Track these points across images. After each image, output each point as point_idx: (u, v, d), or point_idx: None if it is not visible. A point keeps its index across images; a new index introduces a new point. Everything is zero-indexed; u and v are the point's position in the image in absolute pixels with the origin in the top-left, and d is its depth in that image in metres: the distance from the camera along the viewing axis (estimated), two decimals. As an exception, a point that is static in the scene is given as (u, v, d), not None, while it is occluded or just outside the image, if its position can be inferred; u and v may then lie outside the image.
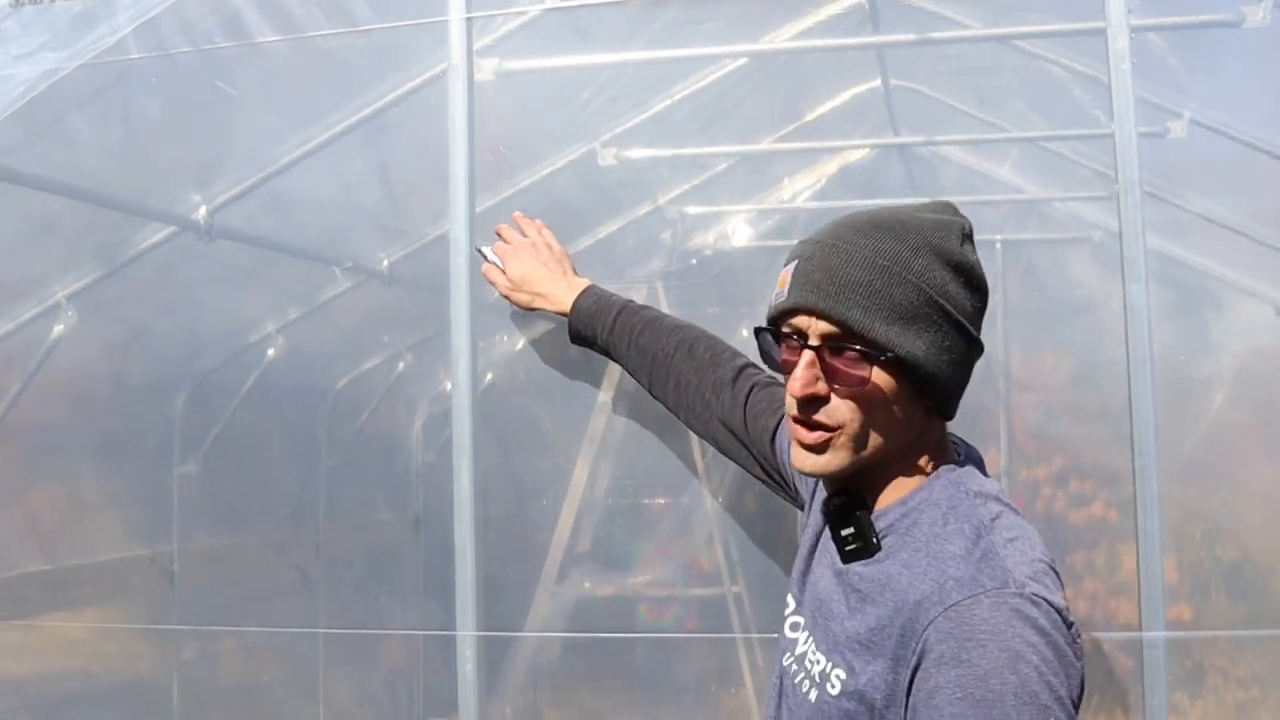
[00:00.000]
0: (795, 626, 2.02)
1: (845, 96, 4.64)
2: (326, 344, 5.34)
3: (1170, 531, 3.99)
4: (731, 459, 2.91)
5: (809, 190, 4.29)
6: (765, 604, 4.38)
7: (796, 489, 2.53)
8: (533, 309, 3.40)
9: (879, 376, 1.85)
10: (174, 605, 4.86)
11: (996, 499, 1.80)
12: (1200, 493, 4.49)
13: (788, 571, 2.84)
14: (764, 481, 2.80)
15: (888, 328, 1.83)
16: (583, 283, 3.24)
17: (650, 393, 3.12)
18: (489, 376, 4.77)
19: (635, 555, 5.12)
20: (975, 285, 1.86)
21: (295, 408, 5.15)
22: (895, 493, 1.84)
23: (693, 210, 4.35)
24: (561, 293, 3.23)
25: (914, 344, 1.79)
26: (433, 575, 4.55)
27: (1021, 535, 1.71)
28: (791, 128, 4.72)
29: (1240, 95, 3.92)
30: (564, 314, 3.27)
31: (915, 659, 1.60)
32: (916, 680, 1.60)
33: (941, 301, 1.80)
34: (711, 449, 3.15)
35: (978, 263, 1.90)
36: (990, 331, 4.34)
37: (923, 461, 1.83)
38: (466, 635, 2.51)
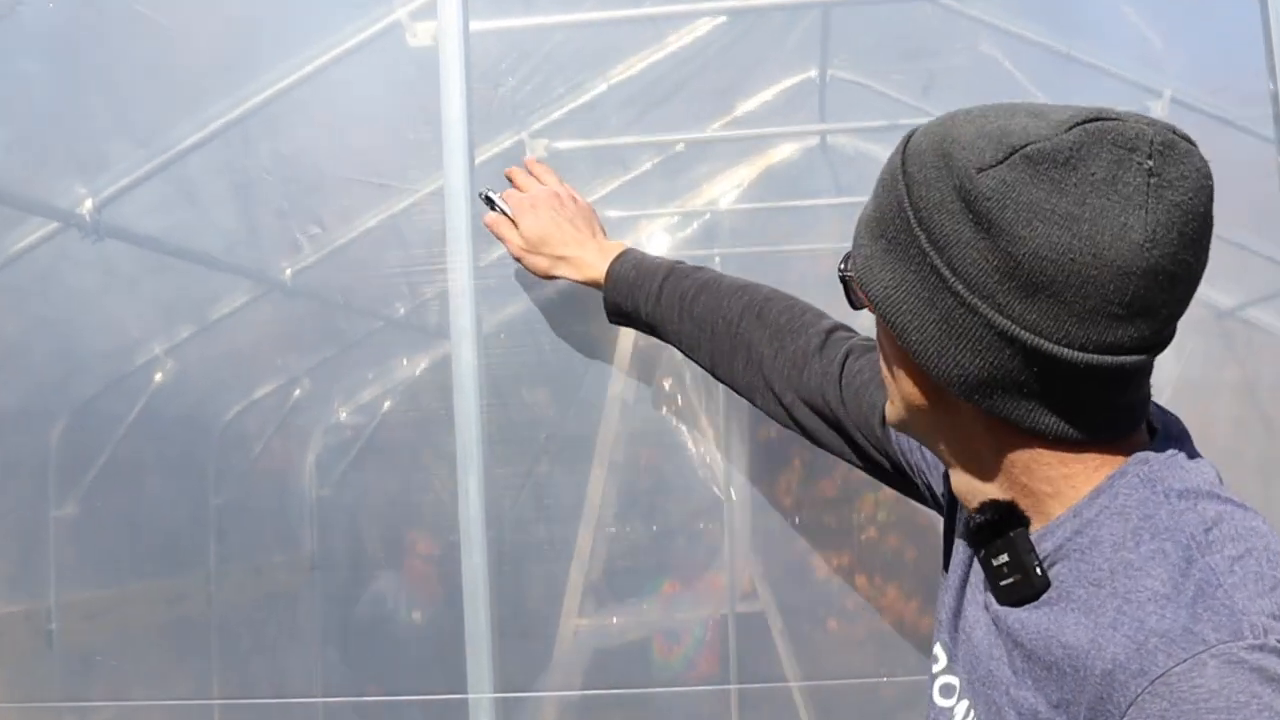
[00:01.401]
0: (948, 691, 1.60)
1: (778, 89, 4.51)
2: (219, 368, 5.09)
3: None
4: (831, 450, 2.38)
5: (733, 193, 4.15)
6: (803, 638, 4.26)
7: (927, 482, 2.01)
8: (552, 276, 2.95)
9: (867, 303, 1.56)
10: (53, 674, 4.59)
11: (1212, 495, 1.34)
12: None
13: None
14: (879, 476, 2.30)
15: (866, 244, 1.53)
16: (617, 245, 2.81)
17: (714, 374, 2.64)
18: (386, 404, 4.59)
19: (655, 588, 4.99)
20: (989, 230, 1.29)
21: (182, 440, 4.91)
22: (1062, 499, 1.40)
23: (614, 214, 4.17)
24: (591, 257, 2.78)
25: (876, 269, 1.44)
26: (331, 626, 4.36)
27: (1253, 548, 1.25)
28: (721, 123, 4.57)
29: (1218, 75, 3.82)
30: (594, 284, 2.83)
31: None
32: None
33: (918, 231, 1.38)
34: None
35: (1016, 202, 1.28)
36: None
37: (1092, 450, 1.37)
38: (482, 699, 2.00)
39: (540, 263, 2.86)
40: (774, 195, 4.08)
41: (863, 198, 4.16)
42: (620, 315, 2.79)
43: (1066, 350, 1.32)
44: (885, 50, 4.43)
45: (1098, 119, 1.33)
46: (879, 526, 4.67)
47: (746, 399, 2.54)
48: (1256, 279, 3.84)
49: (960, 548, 1.66)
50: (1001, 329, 1.33)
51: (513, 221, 2.85)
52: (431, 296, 4.04)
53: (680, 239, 4.10)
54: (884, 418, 1.95)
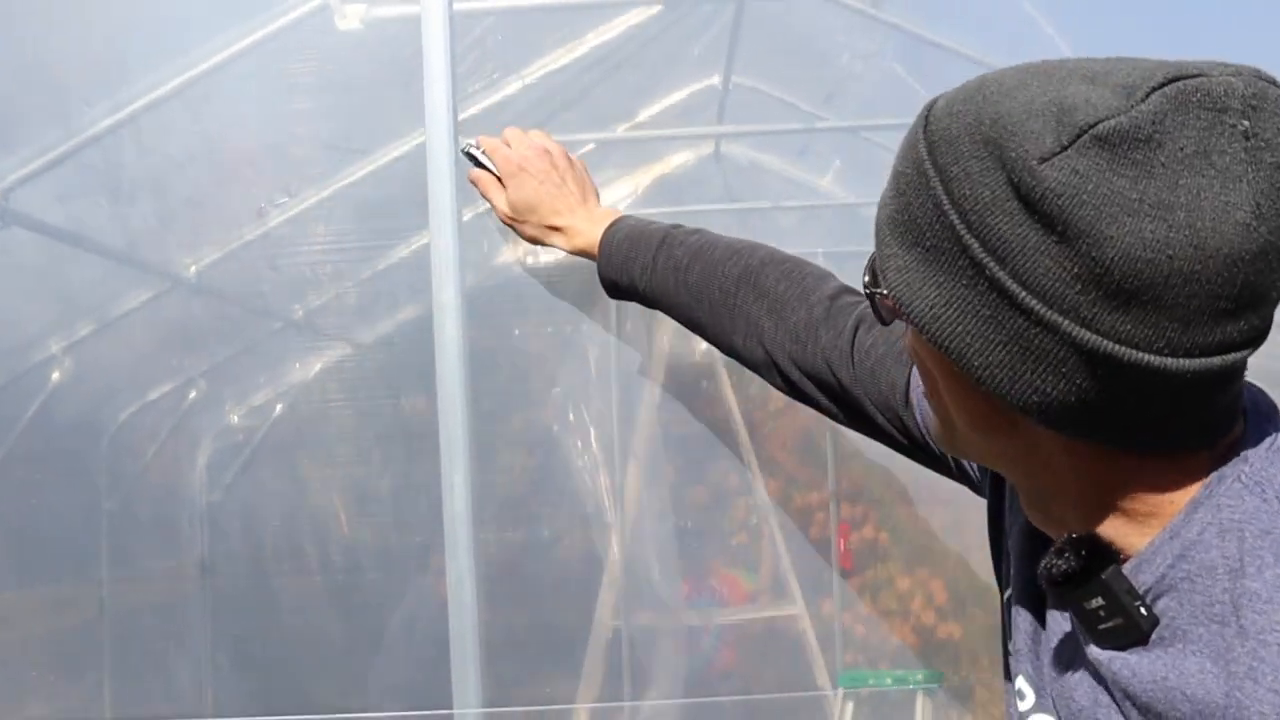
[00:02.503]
0: None
1: (683, 94, 4.58)
2: (117, 367, 5.08)
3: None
4: (848, 426, 2.16)
5: (626, 200, 4.21)
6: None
7: (958, 461, 1.81)
8: (541, 244, 2.74)
9: (904, 319, 1.29)
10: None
11: None
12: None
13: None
14: (902, 451, 2.07)
15: (897, 253, 1.24)
16: (610, 212, 2.58)
17: (719, 348, 2.43)
18: (278, 408, 4.62)
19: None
20: (1064, 232, 1.06)
21: (76, 443, 4.90)
22: (1160, 517, 1.19)
23: None
24: (583, 224, 2.54)
25: (916, 284, 1.18)
26: (222, 635, 4.39)
27: None
28: (625, 126, 4.64)
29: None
30: (586, 254, 2.60)
31: None
32: None
33: (968, 238, 1.14)
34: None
35: (1094, 196, 1.05)
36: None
37: (1189, 457, 1.17)
38: (468, 715, 1.85)
39: (527, 230, 2.66)
40: (667, 201, 4.15)
41: (754, 204, 4.27)
42: (617, 291, 2.57)
43: (1170, 360, 1.10)
44: (791, 56, 4.50)
45: (1176, 78, 1.09)
46: (749, 531, 4.78)
47: (754, 373, 2.35)
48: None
49: (1018, 547, 1.47)
50: (1090, 346, 1.10)
51: (499, 181, 2.63)
52: (332, 298, 4.07)
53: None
54: (908, 393, 1.78)
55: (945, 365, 1.26)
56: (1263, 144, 1.11)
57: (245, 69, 3.79)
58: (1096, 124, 1.04)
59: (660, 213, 4.21)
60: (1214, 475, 1.17)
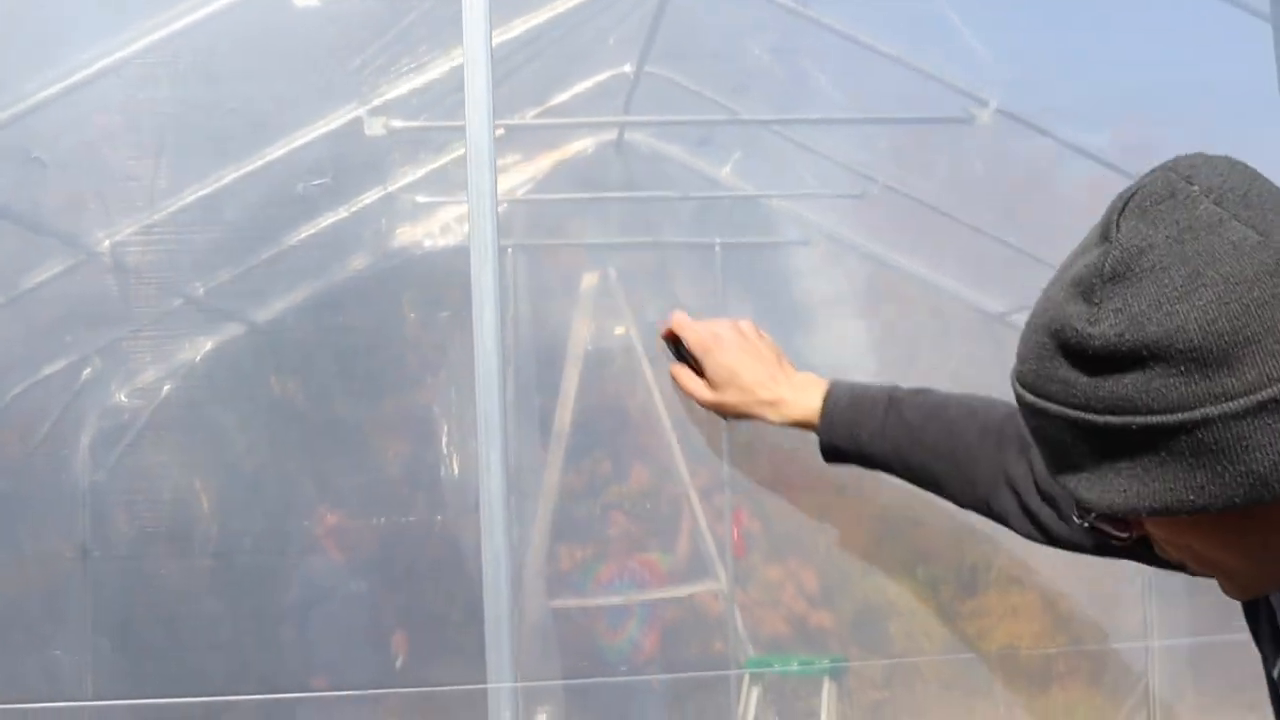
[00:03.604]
0: None
1: (593, 81, 4.62)
2: (15, 344, 5.00)
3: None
4: (1101, 554, 2.20)
5: (526, 186, 4.25)
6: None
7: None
8: (745, 417, 2.78)
9: (1141, 524, 1.35)
10: None
11: None
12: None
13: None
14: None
15: (1076, 485, 1.30)
16: (810, 378, 2.63)
17: (956, 502, 2.60)
18: (166, 388, 4.60)
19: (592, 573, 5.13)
20: (1153, 355, 1.15)
21: (-37, 422, 4.80)
22: None
23: (421, 199, 4.24)
24: (790, 394, 2.60)
25: (1100, 494, 1.24)
26: (102, 618, 4.35)
27: None
28: (536, 111, 4.66)
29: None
30: (801, 426, 2.70)
31: None
32: None
33: (1103, 424, 1.20)
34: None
35: (1144, 318, 1.15)
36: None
37: None
38: (502, 689, 1.80)
39: (732, 402, 2.71)
40: (567, 188, 4.20)
41: (654, 192, 4.33)
42: (837, 454, 2.70)
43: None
44: (705, 47, 4.56)
45: (1124, 201, 1.25)
46: (666, 512, 4.85)
47: (999, 524, 2.50)
48: (1025, 283, 4.05)
49: None
50: (1249, 407, 1.13)
51: (694, 367, 2.67)
52: (235, 276, 4.05)
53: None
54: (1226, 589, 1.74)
55: (1195, 527, 1.28)
56: (1220, 193, 1.20)
57: (170, 47, 3.78)
58: (1103, 267, 1.19)
59: (559, 199, 4.26)
60: None
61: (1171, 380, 1.19)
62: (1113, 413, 1.25)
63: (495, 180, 2.17)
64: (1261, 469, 1.19)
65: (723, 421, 4.36)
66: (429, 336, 4.61)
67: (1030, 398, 1.28)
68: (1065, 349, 1.25)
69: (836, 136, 4.10)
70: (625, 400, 5.01)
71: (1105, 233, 1.23)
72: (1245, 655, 4.40)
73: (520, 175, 4.25)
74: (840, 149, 4.03)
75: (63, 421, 4.48)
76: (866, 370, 5.01)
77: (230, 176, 3.52)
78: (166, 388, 4.26)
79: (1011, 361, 4.46)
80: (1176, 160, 1.24)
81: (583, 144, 4.31)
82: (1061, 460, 1.32)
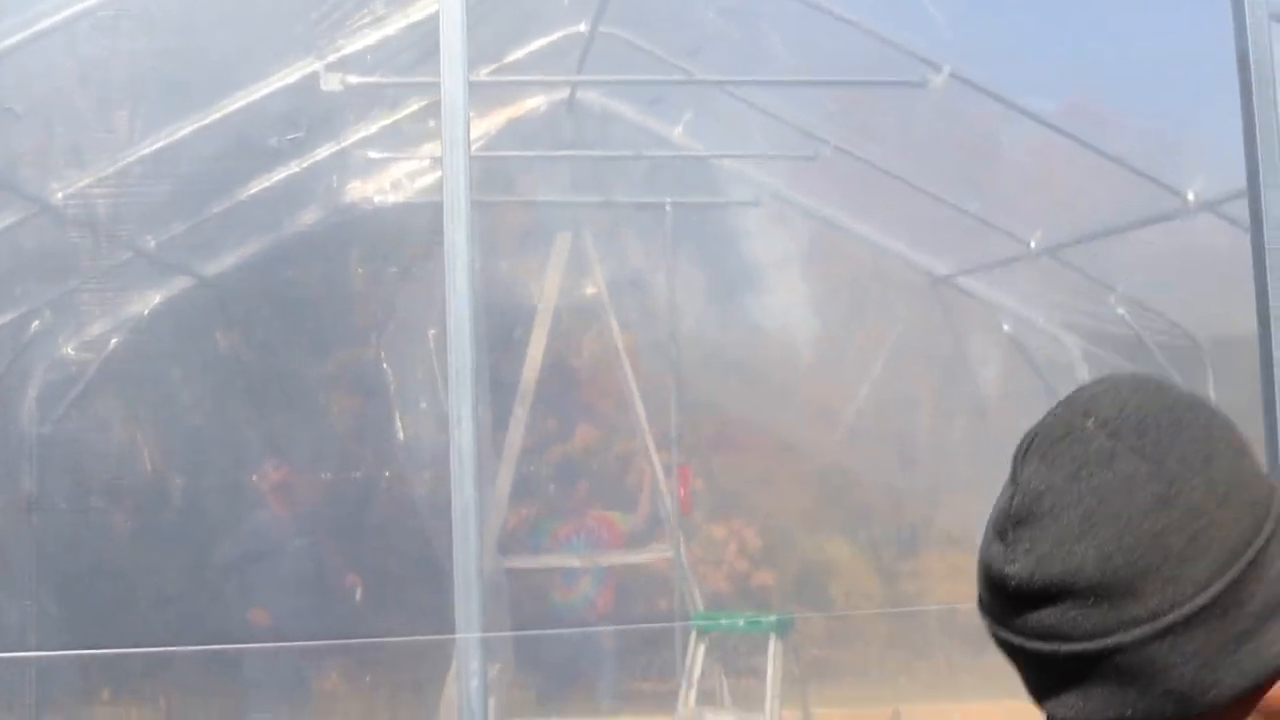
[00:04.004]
0: None
1: (549, 39, 4.59)
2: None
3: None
4: None
5: (479, 142, 4.25)
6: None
7: None
8: None
9: None
10: None
11: None
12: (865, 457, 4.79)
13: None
14: None
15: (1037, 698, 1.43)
16: None
17: None
18: (114, 341, 4.57)
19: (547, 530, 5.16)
20: (1062, 593, 1.21)
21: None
22: None
23: (374, 155, 4.21)
24: None
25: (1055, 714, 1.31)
26: (48, 570, 4.34)
27: None
28: (490, 69, 4.63)
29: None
30: None
31: None
32: None
33: (1029, 647, 1.26)
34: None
35: (1050, 560, 1.23)
36: (659, 306, 4.51)
37: None
38: (470, 639, 1.78)
39: None
40: (518, 145, 4.21)
41: (604, 152, 4.33)
42: None
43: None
44: (660, 8, 4.53)
45: (1026, 443, 1.31)
46: (627, 473, 4.92)
47: None
48: (971, 246, 4.13)
49: None
50: (1204, 602, 1.20)
51: None
52: (185, 230, 4.02)
53: (430, 183, 4.19)
54: None
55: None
56: (1115, 425, 1.21)
57: (123, 4, 3.73)
58: (1010, 509, 1.18)
59: (511, 156, 4.28)
60: None
61: (1084, 611, 1.24)
62: (1043, 639, 1.29)
63: (468, 133, 2.15)
64: (1180, 686, 1.23)
65: (670, 382, 4.43)
66: (378, 292, 4.63)
67: (988, 625, 1.29)
68: (993, 585, 1.27)
69: (789, 98, 4.12)
70: (589, 360, 5.05)
71: (1013, 474, 1.24)
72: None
73: (473, 131, 4.24)
74: (792, 111, 4.05)
75: (10, 374, 4.44)
76: (811, 332, 5.09)
77: (185, 129, 3.48)
78: (114, 341, 4.25)
79: (956, 325, 4.54)
80: (1079, 390, 1.26)
81: (535, 102, 4.31)
82: (1028, 680, 1.35)
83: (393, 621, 4.60)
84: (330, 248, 4.44)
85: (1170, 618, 1.10)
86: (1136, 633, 1.14)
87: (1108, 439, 1.12)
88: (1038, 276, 4.04)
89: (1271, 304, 2.08)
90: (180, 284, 4.29)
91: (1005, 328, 4.41)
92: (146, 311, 4.27)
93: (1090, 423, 1.12)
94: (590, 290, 4.45)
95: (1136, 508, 1.08)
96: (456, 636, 1.71)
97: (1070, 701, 1.25)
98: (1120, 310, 3.90)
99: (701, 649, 3.61)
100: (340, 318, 4.90)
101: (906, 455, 5.01)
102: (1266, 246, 2.11)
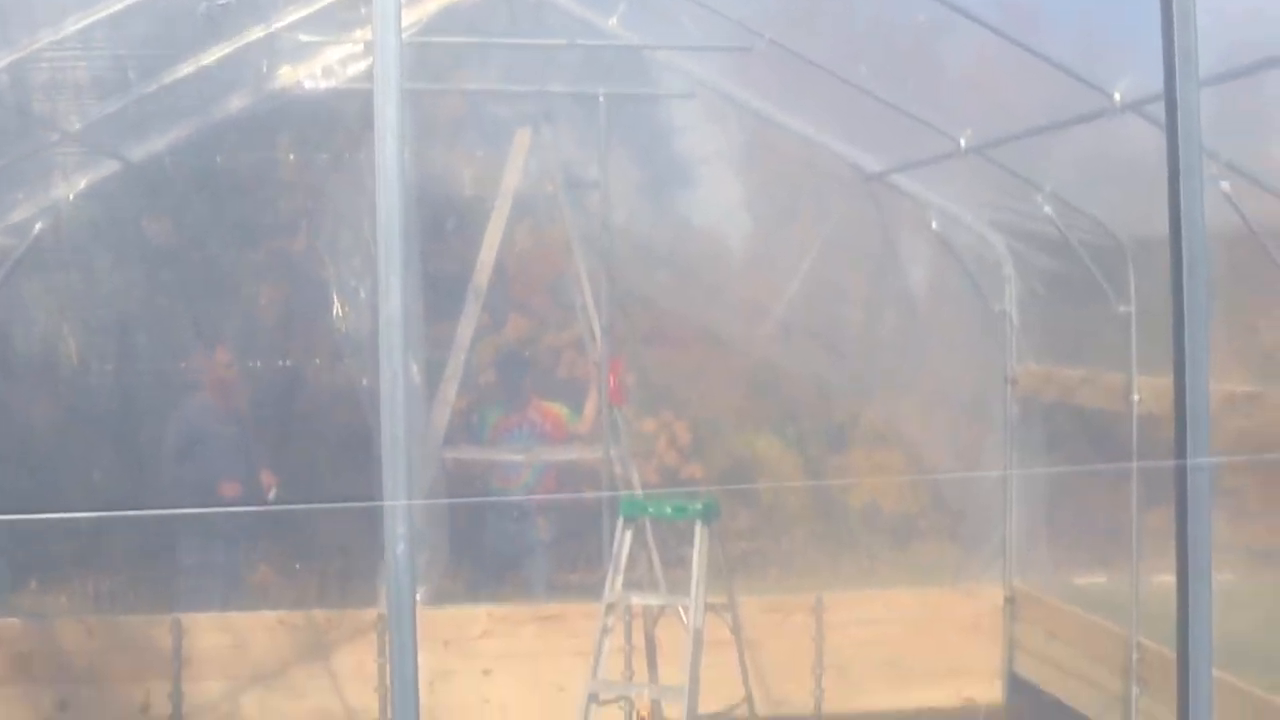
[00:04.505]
0: None
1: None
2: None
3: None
4: None
5: (411, 29, 4.19)
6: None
7: None
8: None
9: None
10: None
11: None
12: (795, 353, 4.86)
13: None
14: None
15: None
16: None
17: None
18: (38, 226, 4.49)
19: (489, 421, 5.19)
20: None
21: None
22: None
23: (304, 38, 4.13)
24: None
25: None
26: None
27: None
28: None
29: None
30: None
31: None
32: None
33: None
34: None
35: None
36: (592, 200, 4.51)
37: None
38: (398, 506, 1.82)
39: None
40: (453, 31, 4.15)
41: (540, 40, 4.27)
42: None
43: None
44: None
45: None
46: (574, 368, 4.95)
47: None
48: (903, 144, 4.16)
49: None
50: None
51: None
52: (114, 112, 3.94)
53: (362, 70, 4.14)
54: None
55: None
56: None
57: None
58: None
59: (445, 42, 4.22)
60: None
61: None
62: None
63: (399, 17, 2.10)
64: None
65: (602, 275, 4.45)
66: (310, 179, 4.58)
67: None
68: None
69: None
70: (520, 254, 5.06)
71: None
72: (1097, 515, 4.68)
73: (406, 18, 4.18)
74: (728, 3, 4.03)
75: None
76: (743, 227, 5.13)
77: (112, 7, 3.40)
78: (39, 226, 4.20)
79: (887, 222, 4.56)
80: None
81: (471, -13, 4.25)
82: None
83: (326, 497, 4.62)
84: (260, 134, 4.38)
85: None
86: None
87: None
88: (967, 175, 4.08)
89: (1184, 204, 2.13)
90: (107, 168, 4.22)
91: (934, 225, 4.47)
92: (72, 196, 4.21)
93: None
94: (525, 182, 4.45)
95: None
96: (384, 503, 1.75)
97: None
98: (1046, 209, 3.95)
99: (629, 535, 3.67)
100: (271, 205, 4.84)
101: (835, 351, 5.09)
102: (1180, 140, 2.16)
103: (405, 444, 1.84)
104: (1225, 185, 3.63)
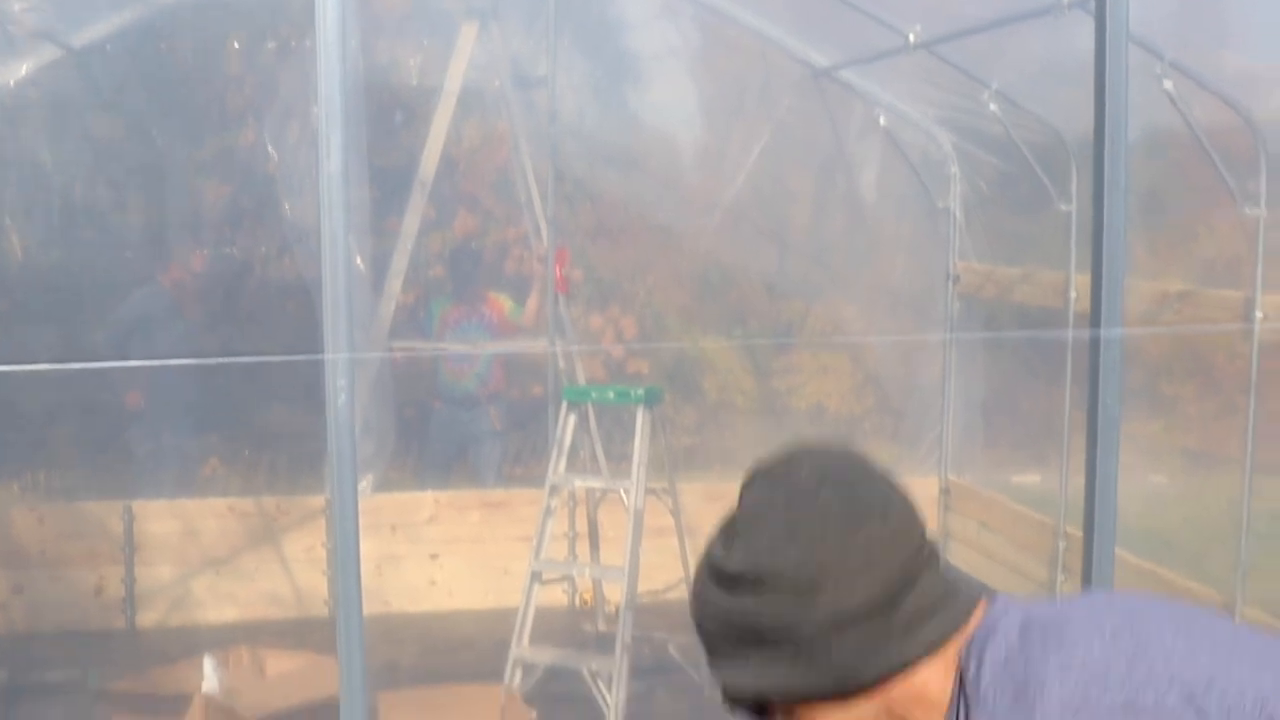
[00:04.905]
0: None
1: None
2: None
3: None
4: None
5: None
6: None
7: None
8: None
9: (771, 707, 1.69)
10: None
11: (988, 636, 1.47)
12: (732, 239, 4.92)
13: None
14: None
15: (718, 672, 1.63)
16: None
17: None
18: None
19: (436, 314, 5.20)
20: (746, 589, 1.43)
21: None
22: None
23: None
24: None
25: (733, 680, 1.48)
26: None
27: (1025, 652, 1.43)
28: None
29: None
30: None
31: None
32: None
33: (726, 630, 1.47)
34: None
35: (749, 559, 1.43)
36: (540, 95, 4.52)
37: (940, 691, 1.47)
38: (339, 359, 1.84)
39: None
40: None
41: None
42: None
43: (880, 587, 1.43)
44: None
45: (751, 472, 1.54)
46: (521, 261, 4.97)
47: None
48: (853, 39, 4.18)
49: None
50: (825, 623, 1.44)
51: None
52: None
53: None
54: None
55: (815, 712, 1.47)
56: (820, 470, 1.50)
57: None
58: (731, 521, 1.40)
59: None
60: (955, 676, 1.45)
61: (780, 598, 1.43)
62: (743, 615, 1.61)
63: None
64: (841, 665, 1.47)
65: (550, 168, 4.48)
66: (255, 67, 4.56)
67: (695, 611, 1.59)
68: (711, 575, 1.56)
69: None
70: (468, 148, 5.07)
71: (739, 497, 1.43)
72: (1032, 412, 4.80)
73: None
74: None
75: None
76: (693, 124, 5.15)
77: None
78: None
79: (835, 118, 4.61)
80: (798, 445, 1.55)
81: None
82: (714, 653, 1.64)
83: (270, 395, 4.67)
84: (205, 23, 4.35)
85: (845, 611, 1.40)
86: (817, 619, 1.53)
87: (816, 480, 1.46)
88: (915, 72, 4.12)
89: (1108, 84, 2.19)
90: (47, 54, 4.18)
91: (881, 122, 4.51)
92: (12, 83, 4.18)
93: (804, 468, 1.44)
94: (471, 77, 4.45)
95: (830, 529, 1.39)
96: (325, 356, 1.81)
97: (752, 670, 1.66)
98: (993, 107, 4.00)
99: (573, 419, 3.74)
100: (215, 97, 4.81)
101: (783, 248, 5.16)
102: (1108, 31, 2.21)
103: (346, 300, 1.90)
104: (1168, 84, 3.71)
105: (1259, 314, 3.56)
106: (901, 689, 1.50)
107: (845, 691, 1.48)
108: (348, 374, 1.86)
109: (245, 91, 4.68)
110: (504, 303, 4.71)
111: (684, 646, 3.76)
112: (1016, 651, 1.45)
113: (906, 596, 1.47)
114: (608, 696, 3.49)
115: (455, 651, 4.05)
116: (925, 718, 1.53)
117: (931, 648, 1.47)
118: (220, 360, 3.84)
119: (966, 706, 1.50)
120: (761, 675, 1.50)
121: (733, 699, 1.67)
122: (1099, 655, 1.44)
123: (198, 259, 4.66)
